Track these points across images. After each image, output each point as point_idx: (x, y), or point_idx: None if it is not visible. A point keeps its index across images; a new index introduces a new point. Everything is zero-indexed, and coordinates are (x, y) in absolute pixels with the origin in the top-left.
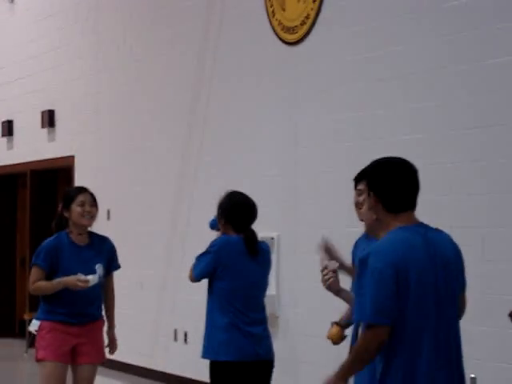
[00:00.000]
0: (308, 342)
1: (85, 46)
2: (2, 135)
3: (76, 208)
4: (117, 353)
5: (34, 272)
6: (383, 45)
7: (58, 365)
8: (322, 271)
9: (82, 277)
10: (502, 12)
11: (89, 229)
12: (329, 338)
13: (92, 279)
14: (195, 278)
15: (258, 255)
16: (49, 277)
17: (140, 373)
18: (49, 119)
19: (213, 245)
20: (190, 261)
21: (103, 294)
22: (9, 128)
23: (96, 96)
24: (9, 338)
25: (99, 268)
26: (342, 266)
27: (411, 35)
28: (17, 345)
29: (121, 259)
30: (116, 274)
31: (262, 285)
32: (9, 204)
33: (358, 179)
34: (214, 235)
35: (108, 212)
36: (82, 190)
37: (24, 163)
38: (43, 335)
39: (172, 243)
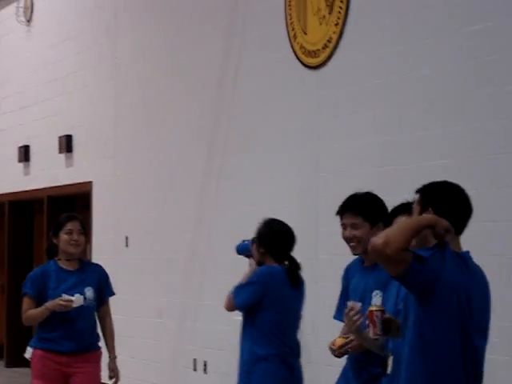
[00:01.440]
0: (331, 372)
1: (102, 71)
2: (19, 161)
3: (63, 236)
4: (134, 383)
5: (24, 301)
6: (407, 69)
7: None
8: (349, 313)
9: (65, 297)
10: None
11: (82, 257)
12: (334, 346)
13: (76, 299)
14: (238, 307)
15: (299, 285)
16: (40, 304)
17: None
18: (66, 144)
19: (258, 275)
20: (210, 289)
21: (100, 323)
22: (25, 153)
23: (114, 121)
24: (26, 367)
25: (88, 291)
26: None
27: (435, 59)
28: None
29: (139, 287)
30: (134, 302)
31: (300, 315)
32: (26, 230)
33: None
34: (236, 260)
35: (126, 239)
36: (72, 217)
37: (41, 189)
38: (35, 363)
39: (191, 271)
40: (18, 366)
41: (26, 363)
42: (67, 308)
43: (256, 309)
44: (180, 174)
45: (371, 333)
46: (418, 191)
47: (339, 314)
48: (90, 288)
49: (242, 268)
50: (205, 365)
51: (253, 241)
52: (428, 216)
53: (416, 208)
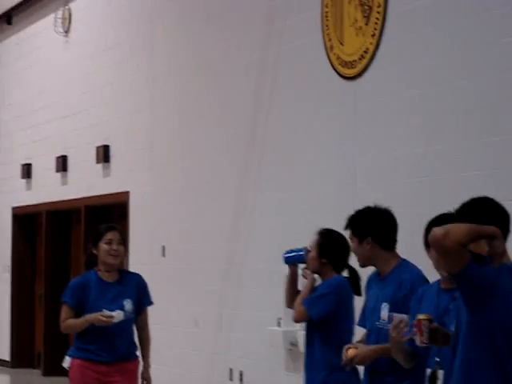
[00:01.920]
0: None
1: (140, 81)
2: (57, 171)
3: (103, 246)
4: None
5: (63, 310)
6: (444, 79)
7: None
8: (398, 325)
9: (106, 312)
10: None
11: (121, 267)
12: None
13: (117, 315)
14: (315, 318)
15: (360, 294)
16: (78, 314)
17: None
18: (104, 154)
19: (333, 286)
20: (246, 299)
21: (138, 331)
22: (63, 163)
23: (151, 131)
24: (63, 376)
25: (127, 304)
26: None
27: (473, 70)
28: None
29: (176, 296)
30: (171, 312)
31: None
32: (63, 240)
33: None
34: (272, 270)
35: (163, 248)
36: (111, 228)
37: (78, 199)
38: (74, 372)
39: (227, 281)
40: (55, 374)
41: (62, 372)
42: (107, 324)
43: (331, 319)
44: (216, 184)
45: (418, 341)
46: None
47: (361, 320)
48: (128, 300)
49: (277, 278)
50: (241, 375)
51: (308, 251)
52: (493, 227)
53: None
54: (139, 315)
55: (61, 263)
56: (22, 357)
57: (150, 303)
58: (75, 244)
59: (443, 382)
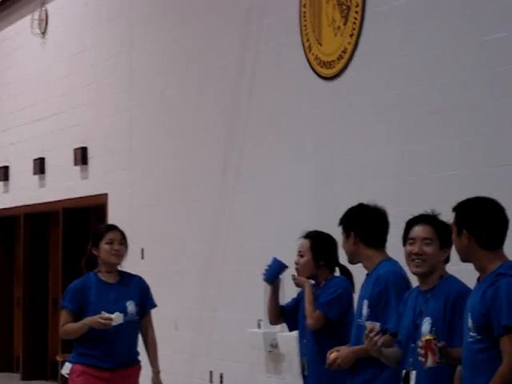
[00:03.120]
0: None
1: (117, 83)
2: (34, 173)
3: (104, 246)
4: None
5: (63, 315)
6: (422, 79)
7: None
8: (369, 335)
9: (104, 315)
10: None
11: (120, 268)
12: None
13: (116, 317)
14: (335, 320)
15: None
16: (79, 318)
17: None
18: (81, 157)
19: (343, 286)
20: (225, 300)
21: (142, 335)
22: (41, 166)
23: (129, 133)
24: (41, 380)
25: (130, 305)
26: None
27: (451, 69)
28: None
29: (155, 299)
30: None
31: None
32: (41, 243)
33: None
34: (251, 272)
35: (142, 251)
36: (112, 227)
37: (56, 201)
38: (74, 379)
39: (207, 282)
40: (33, 378)
41: (42, 376)
42: (106, 326)
43: (346, 319)
44: (195, 186)
45: (430, 362)
46: (454, 210)
47: None
48: (131, 302)
49: (257, 280)
50: (221, 377)
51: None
52: None
53: (453, 228)
54: (143, 318)
55: (39, 266)
56: (0, 361)
57: (154, 306)
58: (53, 247)
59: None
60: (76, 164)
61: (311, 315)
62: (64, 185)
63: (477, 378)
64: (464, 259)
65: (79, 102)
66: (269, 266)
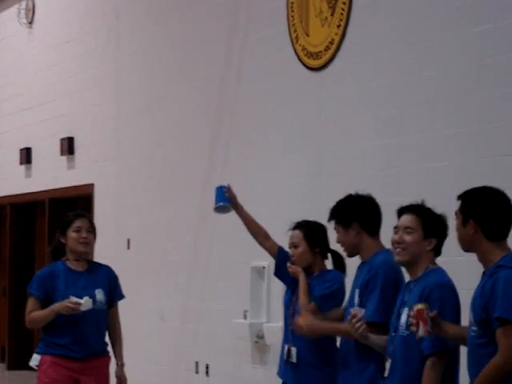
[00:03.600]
0: None
1: (104, 72)
2: (21, 163)
3: (72, 234)
4: None
5: (29, 302)
6: (409, 70)
7: None
8: (351, 320)
9: (73, 299)
10: None
11: (90, 257)
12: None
13: (85, 302)
14: None
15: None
16: (46, 305)
17: None
18: (68, 147)
19: (338, 281)
20: (212, 291)
21: (108, 326)
22: (27, 156)
23: (116, 123)
24: (27, 370)
25: (99, 293)
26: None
27: (438, 61)
28: (35, 377)
29: (141, 289)
30: (136, 305)
31: None
32: (27, 232)
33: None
34: (237, 263)
35: (128, 241)
36: (80, 215)
37: (42, 191)
38: (44, 370)
39: (193, 273)
40: (19, 368)
41: (28, 366)
42: (75, 311)
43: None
44: (182, 176)
45: (422, 331)
46: (460, 198)
47: None
48: (100, 290)
49: (243, 271)
50: (207, 367)
51: (295, 246)
52: None
53: (459, 216)
54: (110, 309)
55: (25, 256)
56: None
57: (122, 297)
58: (39, 236)
59: (389, 372)
60: (62, 154)
61: (306, 307)
62: (50, 175)
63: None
64: (467, 249)
65: (66, 92)
66: (216, 198)
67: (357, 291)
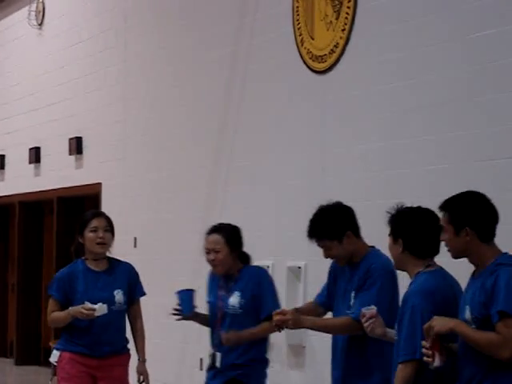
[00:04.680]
0: None
1: (113, 73)
2: (30, 162)
3: (89, 234)
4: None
5: (50, 303)
6: (413, 74)
7: None
8: (362, 319)
9: (87, 305)
10: None
11: (109, 255)
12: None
13: (99, 308)
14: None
15: None
16: (66, 306)
17: None
18: (76, 146)
19: (271, 283)
20: None
21: (130, 323)
22: (36, 155)
23: (124, 123)
24: (35, 365)
25: (118, 294)
26: (385, 335)
27: (440, 65)
28: (42, 372)
29: (147, 287)
30: (142, 302)
31: None
32: (36, 230)
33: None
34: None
35: (135, 240)
36: (97, 214)
37: (51, 190)
38: (63, 366)
39: (199, 271)
40: (27, 363)
41: (35, 361)
42: (89, 317)
43: None
44: (188, 176)
45: (438, 361)
46: (444, 209)
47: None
48: (119, 291)
49: None
50: None
51: (216, 252)
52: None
53: (449, 228)
54: (131, 306)
55: (33, 253)
56: None
57: (143, 294)
58: (48, 234)
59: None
60: (71, 153)
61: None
62: (59, 174)
63: (475, 371)
64: (459, 256)
65: (75, 93)
66: (180, 302)
67: (353, 294)
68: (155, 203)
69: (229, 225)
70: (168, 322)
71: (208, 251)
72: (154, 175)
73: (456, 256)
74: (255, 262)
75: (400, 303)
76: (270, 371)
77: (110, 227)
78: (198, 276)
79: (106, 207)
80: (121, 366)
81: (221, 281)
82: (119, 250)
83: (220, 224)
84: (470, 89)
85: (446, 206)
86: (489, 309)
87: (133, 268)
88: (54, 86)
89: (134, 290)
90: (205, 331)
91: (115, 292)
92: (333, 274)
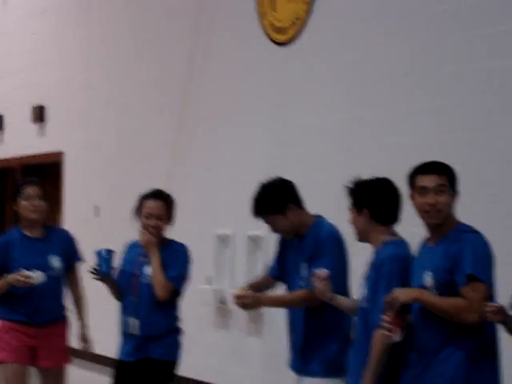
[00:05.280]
0: None
1: (76, 43)
2: None
3: (23, 202)
4: (103, 348)
5: None
6: (374, 47)
7: (19, 366)
8: (316, 281)
9: (24, 273)
10: (496, 14)
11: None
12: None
13: (36, 276)
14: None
15: None
16: (2, 274)
17: None
18: (39, 114)
19: (186, 256)
20: None
21: (69, 290)
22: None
23: (87, 92)
24: None
25: (54, 260)
26: (332, 300)
27: (402, 37)
28: None
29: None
30: None
31: None
32: None
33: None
34: (203, 232)
35: (97, 208)
36: (30, 182)
37: (14, 158)
38: (2, 336)
39: None
40: None
41: None
42: (26, 284)
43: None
44: (150, 145)
45: (399, 336)
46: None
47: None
48: (55, 256)
49: (208, 238)
50: None
51: (159, 219)
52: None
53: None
54: (69, 273)
55: None
56: None
57: (80, 259)
58: (10, 202)
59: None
60: (34, 122)
61: (164, 286)
62: (21, 142)
63: (434, 338)
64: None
65: (39, 62)
66: (99, 261)
67: (304, 265)
68: (117, 172)
69: (167, 193)
70: None
71: (149, 216)
72: (116, 144)
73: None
74: (216, 231)
75: (368, 271)
76: (228, 338)
77: (43, 195)
78: None
79: (68, 176)
80: (60, 334)
81: (142, 250)
82: (81, 218)
83: (159, 190)
84: (437, 59)
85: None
86: (454, 274)
87: (69, 234)
88: (17, 54)
89: (71, 256)
90: None
91: (51, 258)
92: (282, 247)
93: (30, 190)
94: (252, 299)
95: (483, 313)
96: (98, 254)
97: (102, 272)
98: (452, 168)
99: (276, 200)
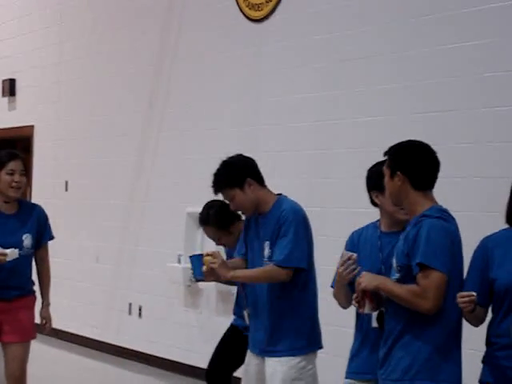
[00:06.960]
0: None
1: (48, 16)
2: None
3: (5, 177)
4: (70, 324)
5: None
6: (348, 25)
7: None
8: (346, 262)
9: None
10: None
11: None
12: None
13: (10, 253)
14: None
15: None
16: None
17: (92, 345)
18: (10, 88)
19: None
20: (147, 235)
21: (37, 267)
22: None
23: (58, 66)
24: None
25: (26, 238)
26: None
27: (377, 16)
28: None
29: (77, 231)
30: (72, 246)
31: None
32: None
33: None
34: (173, 207)
35: (66, 183)
36: (14, 156)
37: None
38: None
39: (129, 217)
40: None
41: None
42: (0, 262)
43: None
44: (121, 121)
45: (368, 308)
46: (386, 154)
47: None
48: (27, 235)
49: (178, 216)
50: (140, 309)
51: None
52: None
53: (386, 171)
54: (39, 249)
55: None
56: None
57: (51, 237)
58: None
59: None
60: (4, 95)
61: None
62: None
63: (395, 324)
64: (395, 203)
65: (9, 35)
66: (192, 266)
67: (267, 243)
68: (88, 147)
69: (215, 202)
70: (97, 266)
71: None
72: (87, 119)
73: (393, 202)
74: (187, 209)
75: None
76: (199, 317)
77: (25, 171)
78: (128, 221)
79: (37, 150)
80: (26, 308)
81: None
82: (50, 193)
83: (211, 201)
84: (405, 40)
85: (387, 151)
86: (411, 259)
87: (43, 211)
88: None
89: (43, 233)
90: (134, 275)
91: (24, 236)
92: (247, 228)
93: (13, 165)
94: (221, 261)
95: (438, 301)
96: (190, 258)
97: (195, 276)
98: (399, 149)
99: (234, 174)
